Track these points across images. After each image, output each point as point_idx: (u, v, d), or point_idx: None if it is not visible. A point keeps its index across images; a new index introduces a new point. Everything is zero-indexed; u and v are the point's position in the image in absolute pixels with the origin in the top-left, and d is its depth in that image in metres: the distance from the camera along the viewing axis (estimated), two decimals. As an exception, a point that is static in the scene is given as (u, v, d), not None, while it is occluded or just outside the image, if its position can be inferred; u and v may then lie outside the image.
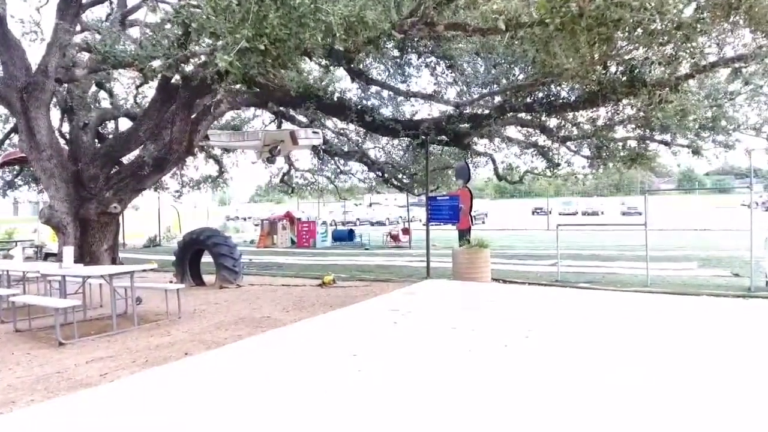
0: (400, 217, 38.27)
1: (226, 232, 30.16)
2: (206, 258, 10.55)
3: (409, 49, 6.86)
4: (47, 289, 8.67)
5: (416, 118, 10.66)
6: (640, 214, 37.88)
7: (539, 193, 52.53)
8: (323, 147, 16.26)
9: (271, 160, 15.23)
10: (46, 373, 4.46)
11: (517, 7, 5.25)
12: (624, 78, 6.80)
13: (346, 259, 15.07)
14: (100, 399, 3.52)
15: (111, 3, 14.07)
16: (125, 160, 14.39)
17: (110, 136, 14.71)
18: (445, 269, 10.68)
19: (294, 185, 20.67)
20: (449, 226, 10.35)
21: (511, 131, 13.09)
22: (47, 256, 14.60)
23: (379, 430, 2.77)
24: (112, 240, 13.73)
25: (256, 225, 25.07)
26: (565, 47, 5.17)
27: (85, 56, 11.87)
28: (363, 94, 10.49)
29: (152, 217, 25.97)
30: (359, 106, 9.96)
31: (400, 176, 18.11)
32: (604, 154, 11.22)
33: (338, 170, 19.36)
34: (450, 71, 7.63)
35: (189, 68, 11.84)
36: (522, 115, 11.18)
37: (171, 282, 10.15)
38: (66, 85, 14.44)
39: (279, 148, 14.38)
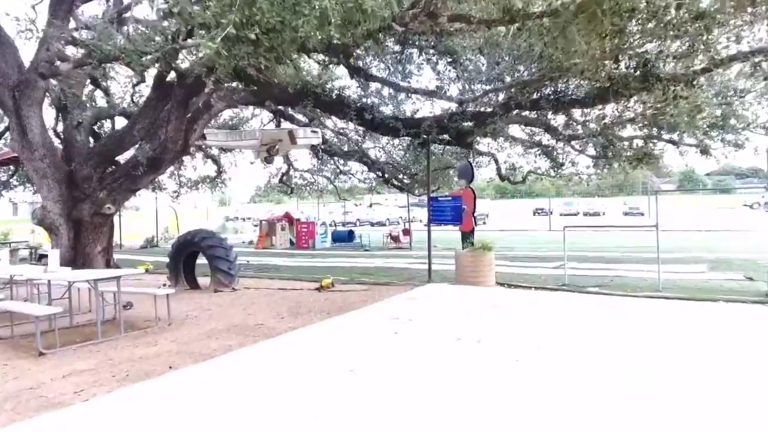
0: (401, 217, 37.90)
1: (225, 232, 29.78)
2: (202, 260, 10.17)
3: (411, 44, 6.49)
4: (33, 293, 8.31)
5: (417, 116, 10.30)
6: (642, 214, 37.49)
7: (540, 193, 52.11)
8: (322, 147, 15.89)
9: (269, 160, 14.85)
10: (18, 389, 4.09)
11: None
12: (637, 72, 6.42)
13: (345, 260, 14.70)
14: (69, 422, 3.15)
15: (107, 0, 13.72)
16: (121, 159, 14.05)
17: (105, 136, 14.31)
18: (447, 271, 10.31)
19: (293, 185, 20.31)
20: (450, 226, 9.98)
21: (515, 130, 12.72)
22: (41, 258, 14.24)
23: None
24: (107, 241, 13.37)
25: (256, 226, 24.70)
26: (582, 34, 4.80)
27: (75, 52, 11.53)
28: (363, 92, 10.11)
29: (152, 217, 25.60)
30: (359, 104, 9.59)
31: (400, 176, 17.74)
32: (610, 153, 10.84)
33: (338, 170, 19.00)
34: (453, 67, 7.26)
35: (184, 65, 11.51)
36: (527, 113, 10.82)
37: (164, 285, 9.79)
38: (58, 83, 14.15)
39: (277, 147, 13.98)
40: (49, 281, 7.34)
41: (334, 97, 9.61)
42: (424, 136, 10.86)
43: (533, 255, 13.60)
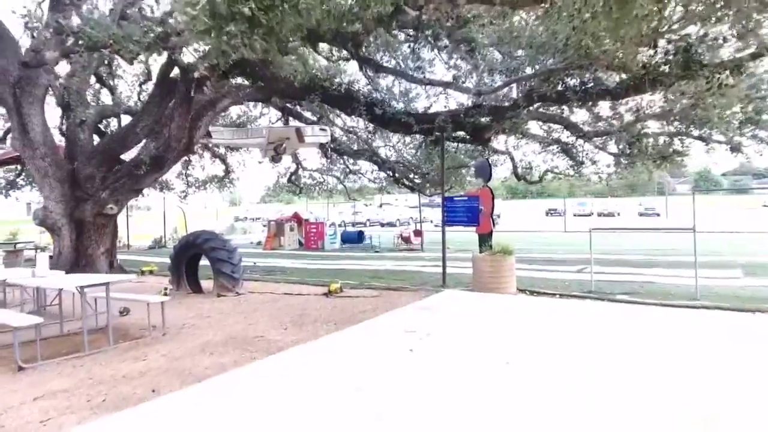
0: (411, 218, 37.25)
1: (234, 233, 29.37)
2: (206, 262, 9.63)
3: (424, 32, 5.89)
4: (25, 298, 7.83)
5: (431, 111, 9.64)
6: (658, 215, 36.47)
7: (552, 193, 51.11)
8: (331, 145, 15.33)
9: (276, 159, 14.34)
10: (-21, 416, 3.55)
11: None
12: (677, 58, 5.72)
13: (355, 262, 14.10)
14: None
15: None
16: (126, 159, 13.60)
17: (108, 134, 13.87)
18: (461, 275, 9.67)
19: (302, 185, 19.78)
20: (464, 227, 9.32)
21: (532, 127, 12.03)
22: (45, 259, 13.80)
23: None
24: (110, 242, 12.92)
25: (265, 226, 24.20)
26: (617, 17, 4.15)
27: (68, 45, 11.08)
28: (372, 86, 9.46)
29: (162, 217, 25.26)
30: (369, 99, 8.99)
31: (411, 176, 17.12)
32: (636, 150, 10.12)
33: (347, 170, 18.43)
34: (470, 57, 6.63)
35: (186, 59, 10.99)
36: (550, 107, 10.14)
37: (166, 289, 9.28)
38: (62, 80, 13.74)
39: (284, 145, 13.46)
40: (36, 287, 6.86)
41: (343, 91, 9.01)
42: (438, 133, 10.24)
43: (551, 258, 12.89)
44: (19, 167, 17.46)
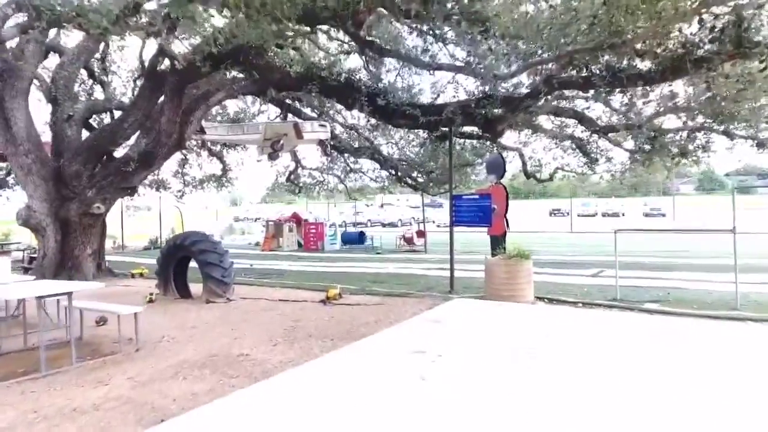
0: (413, 218, 36.42)
1: (233, 233, 28.57)
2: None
3: (433, 5, 5.14)
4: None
5: (438, 103, 8.82)
6: (664, 215, 35.58)
7: (554, 193, 50.17)
8: (331, 142, 14.53)
9: (273, 156, 13.56)
10: None
11: None
12: (731, 34, 4.90)
13: (355, 265, 13.31)
14: None
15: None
16: (118, 155, 12.81)
17: (96, 130, 13.06)
18: (469, 280, 8.88)
19: (301, 184, 18.95)
20: (465, 227, 8.50)
21: (544, 123, 11.21)
22: (32, 260, 13.05)
23: None
24: (98, 243, 12.12)
25: (264, 227, 23.42)
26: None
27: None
28: (375, 74, 8.60)
29: (164, 217, 24.49)
30: (371, 89, 8.18)
31: (414, 174, 16.32)
32: (657, 145, 9.31)
33: (348, 168, 17.61)
34: (484, 38, 5.84)
35: (177, 49, 10.21)
36: (559, 102, 9.34)
37: (152, 294, 8.50)
38: (49, 73, 12.97)
39: (282, 142, 12.67)
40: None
41: (343, 81, 8.21)
42: (443, 129, 9.44)
43: (564, 260, 12.07)
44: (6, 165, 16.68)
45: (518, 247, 6.56)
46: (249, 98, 15.61)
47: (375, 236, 20.01)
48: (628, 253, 13.65)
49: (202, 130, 12.17)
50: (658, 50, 5.59)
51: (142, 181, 12.48)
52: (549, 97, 7.35)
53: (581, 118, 10.24)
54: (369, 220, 37.54)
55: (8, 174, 17.16)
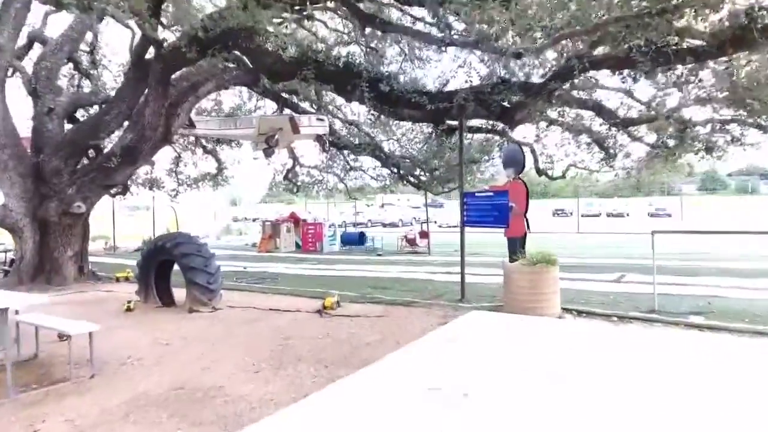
0: (414, 218, 35.44)
1: (229, 233, 27.63)
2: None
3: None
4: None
5: (448, 89, 7.85)
6: (670, 215, 34.60)
7: (555, 193, 49.11)
8: (330, 138, 13.57)
9: (268, 153, 12.58)
10: None
11: None
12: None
13: (355, 268, 12.36)
14: None
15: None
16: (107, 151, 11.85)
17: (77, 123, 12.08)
18: (480, 286, 7.96)
19: (299, 183, 17.98)
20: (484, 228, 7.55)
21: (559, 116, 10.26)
22: (12, 263, 12.10)
23: None
24: (79, 245, 11.14)
25: (261, 227, 22.46)
26: None
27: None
28: (378, 52, 7.57)
29: (159, 216, 23.57)
30: (372, 73, 7.23)
31: (417, 172, 15.36)
32: (689, 139, 8.39)
33: (348, 166, 16.64)
34: (504, 8, 4.89)
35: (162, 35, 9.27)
36: (578, 91, 8.40)
37: (130, 302, 7.56)
38: (31, 63, 12.03)
39: (277, 137, 11.68)
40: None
41: (341, 65, 7.27)
42: (451, 123, 8.51)
43: (578, 263, 11.11)
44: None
45: (543, 251, 5.61)
46: (245, 94, 14.69)
47: (376, 237, 19.06)
48: (645, 256, 12.70)
49: (191, 124, 11.21)
50: (716, 17, 4.66)
51: (126, 178, 11.52)
52: (576, 81, 6.39)
53: (600, 110, 9.30)
54: (369, 221, 36.54)
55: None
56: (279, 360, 4.41)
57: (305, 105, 13.57)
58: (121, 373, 4.35)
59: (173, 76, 10.03)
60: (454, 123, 10.55)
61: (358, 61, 7.22)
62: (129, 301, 7.64)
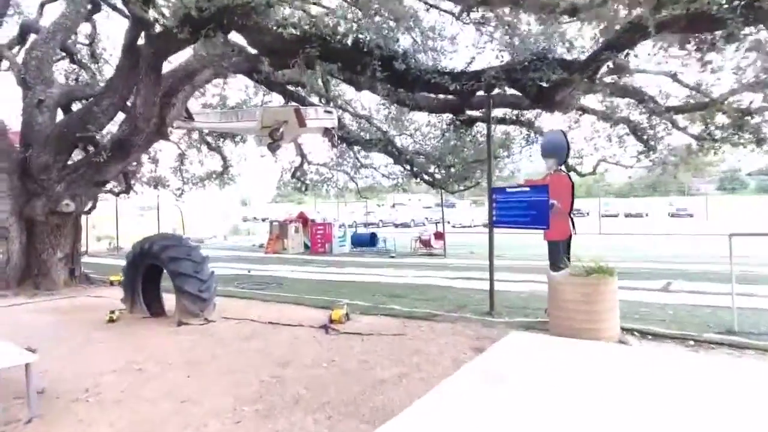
0: (426, 218, 34.28)
1: (237, 234, 26.76)
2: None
3: None
4: None
5: (472, 69, 6.73)
6: (692, 215, 33.03)
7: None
8: (339, 132, 12.53)
9: (273, 147, 11.57)
10: None
11: None
12: None
13: (367, 271, 11.32)
14: None
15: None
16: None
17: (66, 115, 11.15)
18: (508, 295, 6.88)
19: (308, 182, 16.96)
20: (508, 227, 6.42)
21: (590, 102, 9.12)
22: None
23: None
24: (70, 247, 10.19)
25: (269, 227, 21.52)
26: None
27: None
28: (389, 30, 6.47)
29: (170, 215, 22.81)
30: (384, 50, 6.16)
31: (431, 170, 14.25)
32: (744, 131, 7.25)
33: (358, 164, 15.59)
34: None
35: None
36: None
37: (113, 312, 6.60)
38: (22, 53, 11.19)
39: (282, 130, 10.67)
40: None
41: (349, 43, 6.24)
42: (469, 114, 7.41)
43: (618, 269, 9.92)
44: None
45: (597, 261, 4.50)
46: (251, 89, 13.70)
47: (387, 238, 18.00)
48: (682, 258, 11.49)
49: (189, 116, 10.26)
50: None
51: (117, 174, 10.59)
52: (636, 54, 5.21)
53: (642, 98, 8.15)
54: (381, 221, 35.45)
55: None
56: (270, 401, 3.36)
57: (313, 99, 12.58)
58: (69, 414, 3.34)
59: (170, 67, 9.11)
60: (474, 113, 9.46)
61: (368, 38, 6.15)
62: (112, 311, 6.69)
